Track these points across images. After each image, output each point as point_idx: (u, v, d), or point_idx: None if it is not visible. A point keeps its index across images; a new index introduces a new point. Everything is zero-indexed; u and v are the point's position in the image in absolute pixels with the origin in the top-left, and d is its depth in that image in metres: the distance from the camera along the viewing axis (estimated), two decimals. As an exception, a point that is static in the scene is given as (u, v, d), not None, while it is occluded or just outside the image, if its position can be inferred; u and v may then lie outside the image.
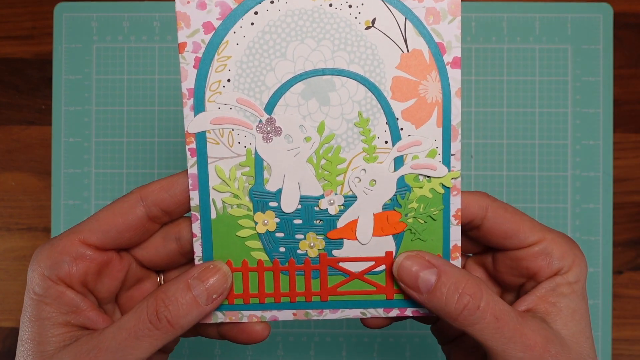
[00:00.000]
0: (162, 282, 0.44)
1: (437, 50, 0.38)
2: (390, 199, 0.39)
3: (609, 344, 0.67)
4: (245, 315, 0.41)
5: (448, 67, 0.38)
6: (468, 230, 0.42)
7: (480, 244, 0.43)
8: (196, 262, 0.40)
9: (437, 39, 0.38)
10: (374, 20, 0.37)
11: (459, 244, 0.40)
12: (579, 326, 0.39)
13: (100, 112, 0.69)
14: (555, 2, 0.68)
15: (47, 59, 0.69)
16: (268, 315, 0.41)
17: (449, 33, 0.38)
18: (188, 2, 0.37)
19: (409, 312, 0.41)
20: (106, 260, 0.40)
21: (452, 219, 0.40)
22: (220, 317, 0.41)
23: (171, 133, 0.69)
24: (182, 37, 0.37)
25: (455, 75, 0.38)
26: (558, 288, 0.39)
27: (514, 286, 0.42)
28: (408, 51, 0.38)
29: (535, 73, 0.69)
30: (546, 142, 0.69)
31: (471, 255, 0.45)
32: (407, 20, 0.37)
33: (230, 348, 0.69)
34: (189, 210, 0.40)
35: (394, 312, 0.41)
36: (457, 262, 0.40)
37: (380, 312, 0.41)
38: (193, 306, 0.38)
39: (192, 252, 0.40)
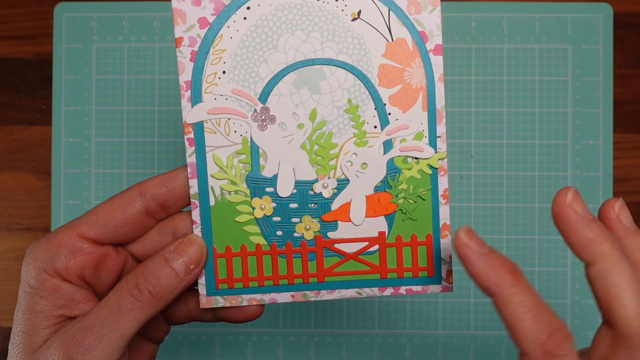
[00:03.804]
0: None
1: (419, 38, 0.41)
2: (381, 181, 0.42)
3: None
4: (245, 299, 0.43)
5: (430, 54, 0.41)
6: None
7: None
8: None
9: (419, 28, 0.41)
10: (359, 12, 0.41)
11: (449, 223, 0.43)
12: None
13: (100, 112, 0.70)
14: (555, 2, 0.70)
15: (47, 59, 0.70)
16: (267, 297, 0.43)
17: (430, 22, 0.41)
18: None
19: (402, 290, 0.43)
20: (103, 254, 0.41)
21: (440, 198, 0.42)
22: (220, 301, 0.43)
23: (171, 133, 0.70)
24: (178, 32, 0.40)
25: (437, 62, 0.41)
26: None
27: None
28: (392, 40, 0.41)
29: (535, 73, 0.70)
30: (546, 142, 0.70)
31: None
32: (390, 11, 0.41)
33: (230, 348, 0.69)
34: (186, 205, 0.42)
35: (389, 291, 0.43)
36: (447, 240, 0.43)
37: (375, 291, 0.43)
38: (172, 278, 0.39)
39: None
